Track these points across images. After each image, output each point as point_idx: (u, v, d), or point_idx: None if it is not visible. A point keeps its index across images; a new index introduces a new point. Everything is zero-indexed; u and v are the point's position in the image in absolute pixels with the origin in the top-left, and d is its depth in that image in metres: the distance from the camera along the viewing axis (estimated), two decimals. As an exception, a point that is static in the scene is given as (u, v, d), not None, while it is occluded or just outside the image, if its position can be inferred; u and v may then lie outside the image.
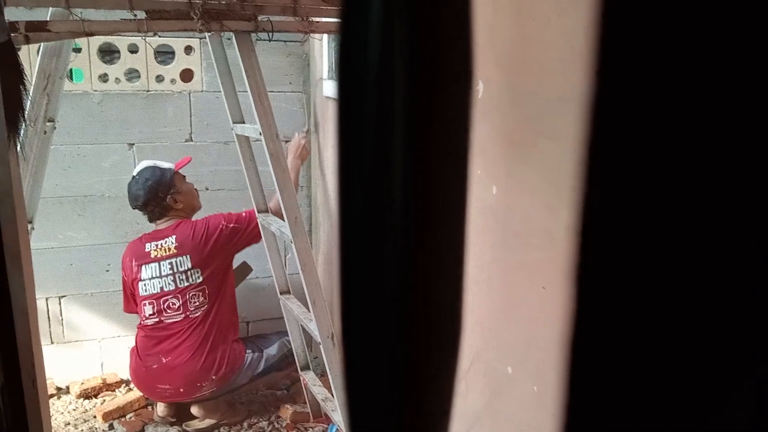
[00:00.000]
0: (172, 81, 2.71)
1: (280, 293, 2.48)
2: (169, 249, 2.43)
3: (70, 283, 2.73)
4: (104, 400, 2.69)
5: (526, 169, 1.22)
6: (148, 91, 2.69)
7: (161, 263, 2.43)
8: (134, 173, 2.48)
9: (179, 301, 2.42)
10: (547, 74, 1.16)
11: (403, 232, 0.21)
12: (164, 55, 2.71)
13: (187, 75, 2.73)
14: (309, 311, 2.07)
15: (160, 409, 2.56)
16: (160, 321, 2.44)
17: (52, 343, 2.74)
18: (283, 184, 1.96)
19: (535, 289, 1.22)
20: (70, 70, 2.51)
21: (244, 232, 2.45)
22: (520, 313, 1.27)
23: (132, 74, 2.67)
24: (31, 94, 1.78)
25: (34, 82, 1.80)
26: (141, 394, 2.61)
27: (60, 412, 2.60)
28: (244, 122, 2.25)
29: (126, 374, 2.73)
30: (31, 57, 2.09)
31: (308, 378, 2.52)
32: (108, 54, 2.63)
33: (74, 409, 2.65)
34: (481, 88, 1.31)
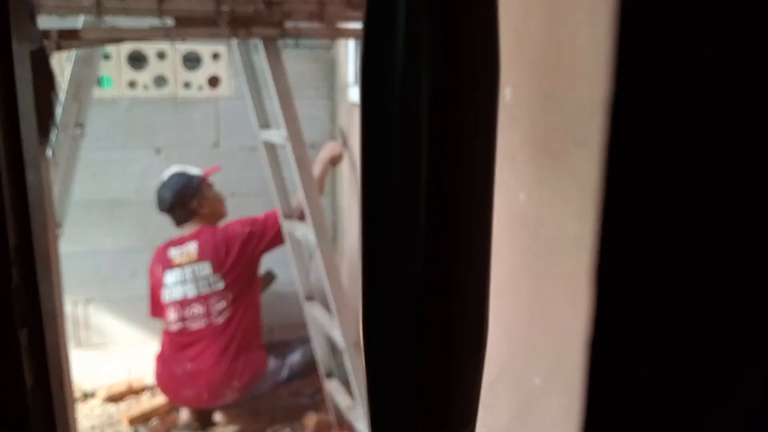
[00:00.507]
0: (200, 87, 2.73)
1: (305, 300, 2.47)
2: (191, 255, 2.45)
3: (96, 287, 2.75)
4: (130, 405, 2.71)
5: (556, 176, 1.21)
6: (175, 97, 2.71)
7: (184, 269, 2.45)
8: (163, 177, 2.50)
9: (202, 307, 2.43)
10: (577, 80, 1.15)
11: (428, 237, 0.21)
12: (192, 61, 2.73)
13: (214, 81, 2.75)
14: (333, 318, 2.06)
15: (184, 415, 2.56)
16: (185, 327, 2.45)
17: (78, 347, 2.77)
18: (309, 190, 1.96)
19: (566, 298, 1.20)
20: (100, 76, 2.54)
21: (264, 235, 2.46)
22: (550, 323, 1.25)
23: (160, 81, 2.70)
24: (62, 100, 1.80)
25: (65, 88, 1.83)
26: (166, 399, 2.62)
27: (86, 416, 2.62)
28: (270, 128, 2.25)
29: (151, 380, 2.74)
30: (61, 64, 2.12)
31: (332, 386, 2.51)
32: (137, 61, 2.65)
33: (100, 414, 2.66)
34: (509, 94, 1.30)
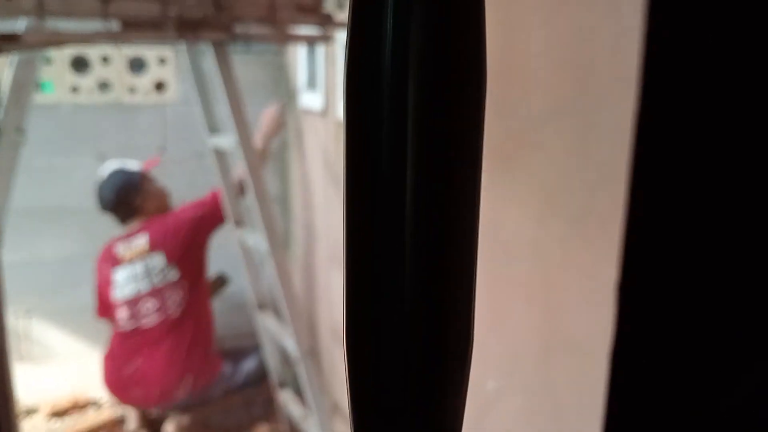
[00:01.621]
0: (146, 92, 2.67)
1: (256, 308, 2.44)
2: (142, 248, 2.38)
3: (38, 298, 2.66)
4: (75, 420, 2.62)
5: (511, 180, 1.21)
6: (120, 102, 2.65)
7: (135, 264, 2.38)
8: (102, 174, 2.43)
9: (157, 302, 2.36)
10: (531, 86, 1.16)
11: (415, 245, 0.21)
12: (137, 66, 2.67)
13: (160, 86, 2.69)
14: (286, 327, 2.04)
15: (132, 425, 2.50)
16: (138, 326, 2.37)
17: (20, 360, 2.67)
18: (261, 197, 1.93)
19: (522, 301, 1.21)
20: (41, 81, 2.46)
21: (214, 216, 2.40)
22: (506, 327, 1.25)
23: (104, 86, 2.63)
24: (3, 105, 1.74)
25: (6, 93, 1.76)
26: (112, 414, 2.54)
27: (28, 432, 2.53)
28: (219, 134, 2.21)
29: (97, 393, 2.65)
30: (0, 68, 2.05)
31: (285, 396, 2.48)
32: (79, 65, 2.58)
33: (44, 430, 2.57)
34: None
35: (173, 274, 2.37)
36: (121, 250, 2.41)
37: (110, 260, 2.41)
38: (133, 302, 2.38)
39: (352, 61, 0.20)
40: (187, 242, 2.38)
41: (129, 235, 2.41)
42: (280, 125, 2.56)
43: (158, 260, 2.37)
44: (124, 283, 2.39)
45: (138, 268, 2.38)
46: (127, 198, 2.39)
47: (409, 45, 0.19)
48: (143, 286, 2.37)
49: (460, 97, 0.20)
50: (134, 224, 2.44)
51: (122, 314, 2.39)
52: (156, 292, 2.37)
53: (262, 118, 2.50)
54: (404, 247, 0.20)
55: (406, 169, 0.20)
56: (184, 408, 2.46)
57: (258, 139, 2.40)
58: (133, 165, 2.45)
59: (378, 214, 0.20)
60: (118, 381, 2.40)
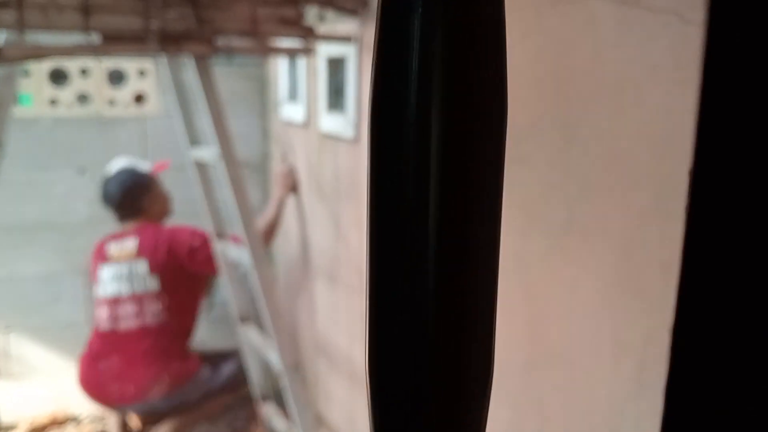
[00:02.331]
0: (126, 105, 2.65)
1: (239, 322, 2.42)
2: (129, 251, 2.36)
3: (17, 314, 2.62)
4: (54, 437, 2.59)
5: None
6: (100, 115, 2.63)
7: (121, 265, 2.36)
8: (110, 170, 2.42)
9: (135, 307, 2.34)
10: (514, 100, 1.16)
11: (438, 270, 0.21)
12: (117, 78, 2.66)
13: (140, 99, 2.68)
14: (269, 340, 2.03)
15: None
16: (116, 328, 2.35)
17: (-2, 377, 2.63)
18: (243, 209, 1.93)
19: (504, 314, 1.22)
20: (19, 94, 2.44)
21: (207, 263, 2.38)
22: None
23: (83, 98, 2.61)
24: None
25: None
26: (91, 429, 2.51)
27: (6, 450, 2.49)
28: (200, 147, 2.20)
29: (76, 409, 2.62)
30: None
31: (268, 409, 2.46)
32: (58, 78, 2.56)
33: (22, 447, 2.54)
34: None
35: (154, 285, 2.36)
36: (112, 248, 2.39)
37: (100, 257, 2.40)
38: (113, 302, 2.36)
39: (378, 92, 0.21)
40: (171, 261, 2.36)
41: (122, 235, 2.40)
42: (292, 181, 2.52)
43: (142, 267, 2.35)
44: (108, 281, 2.37)
45: (123, 269, 2.36)
46: (133, 197, 2.38)
47: (433, 78, 0.19)
48: (124, 289, 2.35)
49: (482, 127, 0.20)
50: (130, 225, 2.42)
51: (102, 313, 2.37)
52: (135, 298, 2.35)
53: (274, 179, 2.55)
54: (427, 276, 0.21)
55: (429, 200, 0.20)
56: (162, 411, 2.42)
57: (267, 216, 2.44)
58: (144, 166, 2.44)
59: (402, 243, 0.21)
60: (93, 378, 2.36)
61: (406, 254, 0.21)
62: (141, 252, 2.36)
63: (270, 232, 2.43)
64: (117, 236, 2.42)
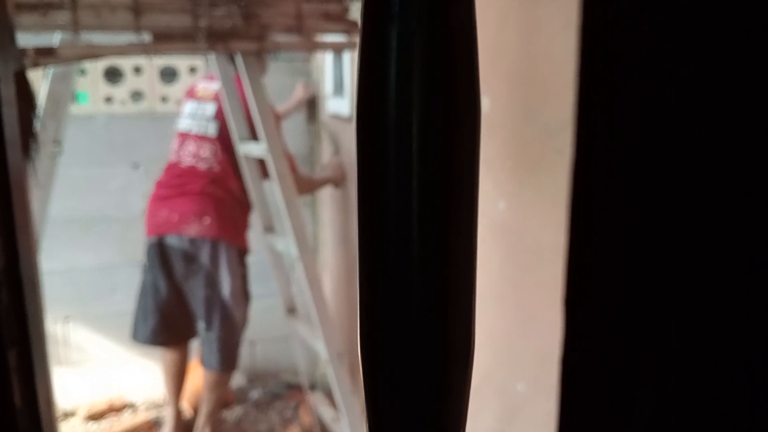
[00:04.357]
0: (177, 101, 2.72)
1: (287, 312, 2.47)
2: (210, 92, 2.39)
3: (76, 304, 2.73)
4: (111, 424, 2.68)
5: (535, 185, 1.22)
6: (153, 111, 2.70)
7: (199, 103, 2.42)
8: None
9: (195, 147, 2.38)
10: (552, 90, 1.17)
11: (421, 254, 0.23)
12: (169, 75, 2.73)
13: (191, 95, 2.74)
14: (316, 330, 2.06)
15: (168, 428, 2.54)
16: (177, 162, 2.40)
17: (58, 364, 2.74)
18: (290, 202, 1.97)
19: (546, 304, 1.22)
20: (76, 92, 2.52)
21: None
22: (532, 330, 1.26)
23: (137, 95, 2.69)
24: (40, 118, 1.79)
25: (43, 106, 1.82)
26: (148, 416, 2.59)
27: (67, 435, 2.59)
28: (250, 141, 2.25)
29: (132, 397, 2.71)
30: (37, 81, 2.10)
31: (315, 398, 2.51)
32: (113, 76, 2.64)
33: (81, 432, 2.64)
34: (487, 105, 1.32)
35: (213, 130, 2.38)
36: (200, 86, 2.45)
37: (190, 93, 2.47)
38: (182, 137, 2.41)
39: (361, 96, 0.23)
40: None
41: (213, 77, 2.41)
42: (341, 174, 2.60)
43: (210, 109, 2.39)
44: (185, 115, 2.44)
45: (198, 107, 2.41)
46: None
47: (411, 82, 0.21)
48: (193, 127, 2.40)
49: (458, 122, 0.22)
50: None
51: (174, 145, 2.43)
52: (197, 138, 2.39)
53: (326, 167, 2.59)
54: (410, 262, 0.23)
55: (411, 195, 0.22)
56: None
57: (283, 108, 2.46)
58: None
59: (387, 233, 0.23)
60: (151, 203, 2.41)
61: (391, 244, 0.23)
62: (216, 97, 2.38)
63: (303, 187, 2.43)
64: (210, 76, 2.45)
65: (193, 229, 2.31)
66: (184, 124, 2.43)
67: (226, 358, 2.38)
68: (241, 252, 2.42)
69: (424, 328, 0.23)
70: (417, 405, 0.24)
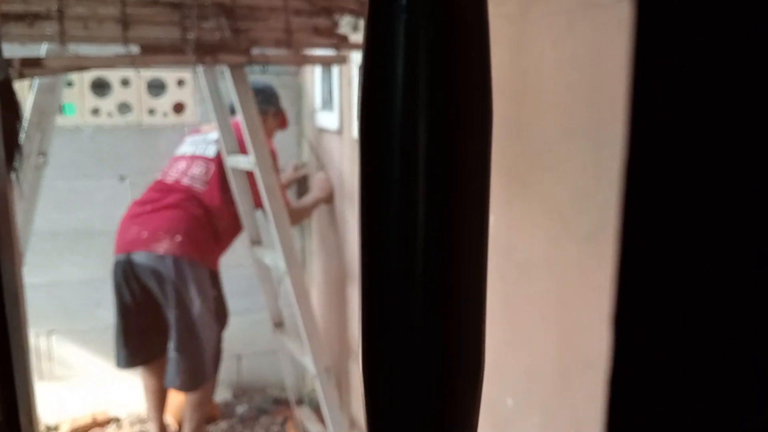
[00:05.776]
0: (165, 114, 2.71)
1: (274, 326, 2.45)
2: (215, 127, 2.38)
3: (60, 318, 2.69)
4: (95, 438, 2.64)
5: (525, 201, 1.22)
6: (140, 124, 2.69)
7: (204, 134, 2.47)
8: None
9: (186, 165, 2.38)
10: (543, 106, 1.17)
11: (426, 266, 0.22)
12: (156, 88, 2.72)
13: (179, 108, 2.73)
14: (304, 344, 2.05)
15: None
16: (162, 179, 2.38)
17: (41, 379, 2.70)
18: (278, 216, 1.96)
19: (535, 320, 1.21)
20: (62, 104, 2.51)
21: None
22: (521, 346, 1.26)
23: (124, 107, 2.67)
24: (25, 129, 1.78)
25: (28, 117, 1.80)
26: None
27: (49, 450, 2.55)
28: (237, 154, 2.24)
29: (116, 412, 2.67)
30: (23, 92, 2.09)
31: (302, 413, 2.49)
32: (100, 88, 2.63)
33: (64, 448, 2.60)
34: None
35: (212, 151, 2.38)
36: (205, 128, 2.51)
37: (194, 131, 2.53)
38: (176, 159, 2.43)
39: (365, 95, 0.22)
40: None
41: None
42: (328, 190, 2.62)
43: (214, 135, 2.39)
44: (186, 144, 2.47)
45: (202, 137, 2.45)
46: (267, 102, 2.46)
47: (418, 82, 0.20)
48: (192, 150, 2.42)
49: (467, 128, 0.21)
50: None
51: (165, 166, 2.44)
52: (191, 158, 2.40)
53: (314, 185, 2.65)
54: (415, 274, 0.22)
55: (417, 200, 0.21)
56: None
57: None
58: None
59: (391, 241, 0.21)
60: (125, 219, 2.36)
61: (396, 252, 0.22)
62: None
63: (296, 217, 2.45)
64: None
65: (162, 246, 2.26)
66: (182, 149, 2.45)
67: (187, 379, 2.30)
68: (212, 272, 2.38)
69: (428, 345, 0.22)
70: (420, 424, 0.23)
